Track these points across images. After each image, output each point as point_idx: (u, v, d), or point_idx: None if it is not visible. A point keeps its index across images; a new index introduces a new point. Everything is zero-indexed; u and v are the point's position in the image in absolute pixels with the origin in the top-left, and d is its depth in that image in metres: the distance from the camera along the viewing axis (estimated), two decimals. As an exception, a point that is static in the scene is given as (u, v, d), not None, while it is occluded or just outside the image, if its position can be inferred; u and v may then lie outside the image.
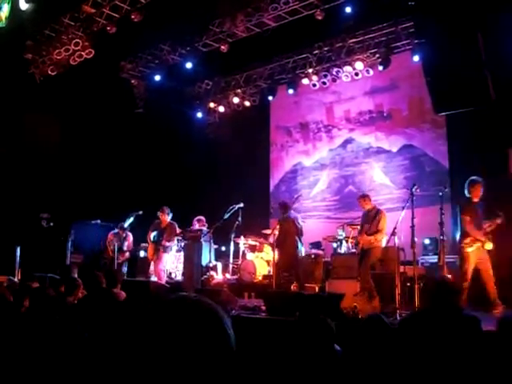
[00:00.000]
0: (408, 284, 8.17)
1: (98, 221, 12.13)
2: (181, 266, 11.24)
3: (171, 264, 11.33)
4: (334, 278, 9.66)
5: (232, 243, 11.17)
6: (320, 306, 6.39)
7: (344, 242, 10.39)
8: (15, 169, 12.44)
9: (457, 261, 7.64)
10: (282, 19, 10.85)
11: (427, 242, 9.90)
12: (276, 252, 9.81)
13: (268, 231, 11.04)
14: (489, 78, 7.33)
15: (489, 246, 7.20)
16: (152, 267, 10.45)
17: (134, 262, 11.51)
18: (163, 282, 9.92)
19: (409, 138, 12.01)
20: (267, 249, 11.10)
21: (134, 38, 11.46)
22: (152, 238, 10.42)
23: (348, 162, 12.98)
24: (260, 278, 10.75)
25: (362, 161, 12.71)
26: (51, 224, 11.32)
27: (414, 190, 7.31)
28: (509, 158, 9.28)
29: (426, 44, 8.40)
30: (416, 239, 7.14)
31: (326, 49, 12.25)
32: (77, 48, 11.02)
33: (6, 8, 9.90)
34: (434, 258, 9.26)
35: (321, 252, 10.87)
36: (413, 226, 7.03)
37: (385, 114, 12.47)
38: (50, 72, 11.67)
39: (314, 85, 12.92)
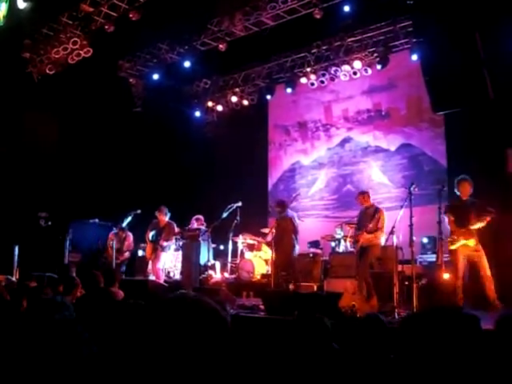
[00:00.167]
0: (406, 283, 8.17)
1: (96, 220, 12.12)
2: (179, 265, 11.24)
3: (170, 263, 11.33)
4: (332, 277, 9.67)
5: (230, 242, 11.17)
6: (318, 305, 6.40)
7: (342, 240, 10.40)
8: (13, 168, 12.42)
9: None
10: (281, 18, 10.84)
11: (425, 240, 9.92)
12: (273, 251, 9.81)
13: (266, 230, 11.04)
14: (487, 77, 7.33)
15: (471, 242, 7.22)
16: (150, 266, 10.44)
17: (133, 262, 11.51)
18: (161, 280, 9.92)
19: (407, 137, 12.02)
20: (265, 248, 11.10)
21: (132, 36, 11.44)
22: (150, 238, 10.41)
23: (346, 160, 12.99)
24: (258, 277, 10.76)
25: (360, 160, 12.71)
26: (49, 223, 11.30)
27: (412, 188, 7.32)
28: (507, 158, 9.28)
29: (425, 43, 8.41)
30: (414, 238, 7.15)
31: (324, 48, 12.25)
32: (75, 47, 11.01)
33: (4, 7, 9.87)
34: (432, 257, 9.28)
35: (319, 251, 10.87)
36: (411, 225, 7.04)
37: (383, 113, 12.47)
38: (48, 71, 11.65)
39: (313, 84, 12.92)
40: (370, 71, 12.06)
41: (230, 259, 11.41)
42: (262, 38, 11.31)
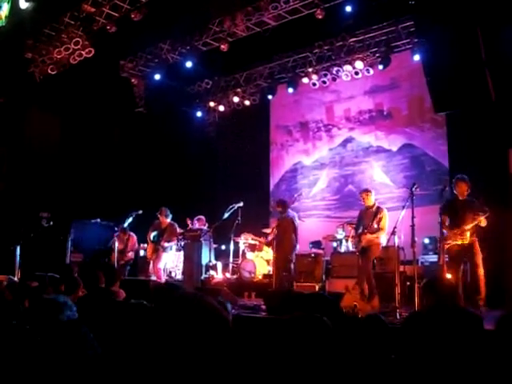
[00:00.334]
0: (408, 283, 8.18)
1: (98, 220, 12.12)
2: (181, 266, 11.24)
3: (171, 263, 11.34)
4: (334, 277, 9.69)
5: (232, 242, 11.17)
6: (320, 306, 6.39)
7: (344, 241, 10.41)
8: (15, 168, 12.45)
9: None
10: (282, 18, 10.84)
11: (427, 241, 9.91)
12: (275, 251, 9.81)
13: (268, 230, 11.04)
14: (489, 78, 7.33)
15: (464, 241, 7.20)
16: (151, 266, 10.45)
17: (135, 262, 11.51)
18: (162, 280, 9.93)
19: (409, 138, 12.01)
20: (267, 248, 11.11)
21: (133, 37, 11.45)
22: (152, 238, 10.42)
23: (348, 161, 12.98)
24: (260, 278, 10.76)
25: (362, 160, 12.70)
26: (51, 223, 11.30)
27: (413, 189, 7.31)
28: (509, 158, 9.26)
29: (427, 43, 8.41)
30: (416, 238, 7.14)
31: (326, 48, 12.23)
32: (77, 47, 11.02)
33: (6, 7, 9.90)
34: (433, 258, 9.27)
35: (321, 251, 10.87)
36: (413, 226, 7.03)
37: (385, 113, 12.47)
38: (49, 71, 11.66)
39: (314, 84, 12.92)
40: (371, 71, 12.05)
41: (231, 259, 11.41)
42: (263, 38, 11.31)
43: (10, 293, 4.91)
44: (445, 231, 7.38)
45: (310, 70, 12.72)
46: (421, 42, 10.15)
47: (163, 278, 10.30)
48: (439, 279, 6.66)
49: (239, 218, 10.54)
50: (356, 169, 12.79)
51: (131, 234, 11.02)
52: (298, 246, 10.24)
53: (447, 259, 7.38)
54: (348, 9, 10.27)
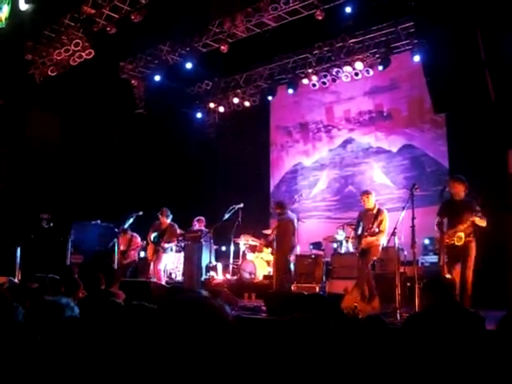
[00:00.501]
0: (408, 284, 8.18)
1: (98, 221, 12.12)
2: (181, 267, 11.25)
3: (171, 264, 11.34)
4: (334, 278, 9.68)
5: (232, 243, 11.17)
6: (320, 307, 6.39)
7: (344, 242, 10.41)
8: (15, 169, 12.45)
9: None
10: (282, 19, 10.85)
11: (427, 242, 9.90)
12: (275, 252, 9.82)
13: (268, 231, 11.05)
14: (488, 78, 7.33)
15: (458, 242, 7.17)
16: (151, 267, 10.45)
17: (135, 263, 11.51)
18: (162, 282, 9.92)
19: (409, 138, 12.01)
20: (267, 249, 11.11)
21: (133, 38, 11.46)
22: (152, 239, 10.42)
23: (348, 162, 12.98)
24: (260, 279, 10.76)
25: (362, 161, 12.70)
26: (51, 224, 11.31)
27: (414, 190, 7.30)
28: (508, 159, 9.27)
29: (426, 44, 8.41)
30: (416, 239, 7.14)
31: (325, 49, 12.24)
32: (77, 48, 11.02)
33: (6, 9, 9.89)
34: (434, 258, 9.26)
35: (321, 252, 10.87)
36: (413, 226, 7.02)
37: (385, 114, 12.47)
38: (50, 73, 11.67)
39: (314, 85, 12.92)
40: (371, 72, 12.05)
41: (231, 260, 11.41)
42: (263, 39, 11.31)
43: (10, 295, 4.91)
44: (437, 231, 7.38)
45: (310, 70, 12.72)
46: (420, 42, 10.16)
47: (163, 280, 10.29)
48: (439, 279, 6.67)
49: (239, 219, 10.55)
50: (356, 170, 12.79)
51: (134, 234, 11.03)
52: (298, 247, 10.25)
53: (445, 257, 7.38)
54: (348, 10, 10.28)
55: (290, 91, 13.38)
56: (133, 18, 10.28)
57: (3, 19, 9.94)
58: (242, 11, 10.83)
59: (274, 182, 14.33)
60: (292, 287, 9.68)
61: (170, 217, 10.50)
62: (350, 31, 11.68)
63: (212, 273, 10.82)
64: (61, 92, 12.22)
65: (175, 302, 1.29)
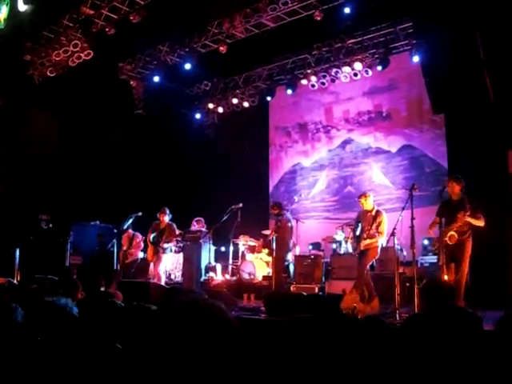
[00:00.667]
0: (407, 284, 8.17)
1: (97, 222, 12.12)
2: (180, 267, 11.24)
3: (171, 265, 11.33)
4: (333, 279, 9.68)
5: (231, 244, 11.16)
6: (319, 307, 6.39)
7: (343, 242, 10.40)
8: (14, 170, 12.45)
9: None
10: (281, 20, 10.85)
11: (426, 242, 9.90)
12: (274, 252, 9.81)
13: (267, 232, 11.05)
14: (487, 79, 7.33)
15: (450, 241, 7.17)
16: (152, 268, 10.44)
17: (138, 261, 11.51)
18: (162, 283, 9.91)
19: (408, 139, 12.01)
20: (265, 250, 11.10)
21: (132, 39, 11.46)
22: (151, 239, 10.41)
23: (347, 162, 12.98)
24: (259, 279, 10.75)
25: (361, 161, 12.70)
26: (50, 225, 11.31)
27: (413, 190, 7.30)
28: (508, 159, 9.27)
29: (425, 44, 8.42)
30: (415, 240, 7.13)
31: (324, 49, 12.25)
32: (75, 49, 11.02)
33: (5, 9, 9.90)
34: (433, 259, 9.26)
35: (320, 253, 10.87)
36: (412, 227, 7.01)
37: (384, 115, 12.47)
38: (48, 73, 11.67)
39: (313, 85, 12.92)
40: (370, 72, 12.06)
41: (231, 261, 11.41)
42: (262, 39, 11.32)
43: (9, 295, 4.90)
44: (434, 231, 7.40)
45: (309, 71, 12.73)
46: (419, 43, 10.18)
47: (163, 280, 10.29)
48: (438, 280, 6.67)
49: (239, 220, 10.55)
50: (355, 170, 12.79)
51: (136, 233, 11.03)
52: (298, 248, 10.24)
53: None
54: (346, 10, 10.28)
55: (289, 92, 13.38)
56: (132, 18, 10.28)
57: (2, 20, 9.95)
58: (240, 12, 10.83)
59: (273, 182, 14.33)
60: (291, 288, 9.69)
61: (170, 216, 10.50)
62: (348, 32, 11.69)
63: (211, 273, 10.81)
64: (60, 93, 12.22)
65: (176, 303, 1.29)
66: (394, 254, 7.79)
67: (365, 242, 8.16)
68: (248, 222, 11.10)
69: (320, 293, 9.11)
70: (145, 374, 1.23)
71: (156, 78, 13.31)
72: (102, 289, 5.80)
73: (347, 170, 12.95)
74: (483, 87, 7.37)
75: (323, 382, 2.07)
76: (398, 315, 6.78)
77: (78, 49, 11.02)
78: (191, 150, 14.46)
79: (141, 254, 11.56)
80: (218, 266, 11.37)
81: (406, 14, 10.51)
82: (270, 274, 10.15)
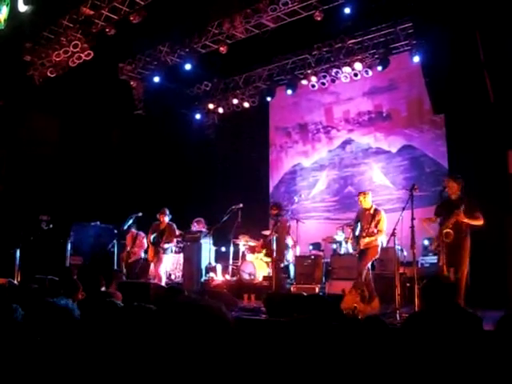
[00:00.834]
0: (408, 284, 8.18)
1: (98, 222, 12.12)
2: (181, 268, 11.24)
3: (171, 265, 11.33)
4: (333, 279, 9.67)
5: (232, 244, 11.17)
6: (319, 307, 6.40)
7: (343, 242, 10.41)
8: (14, 170, 12.45)
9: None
10: (281, 20, 10.85)
11: (427, 242, 9.89)
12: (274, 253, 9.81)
13: (267, 232, 11.04)
14: (487, 79, 7.33)
15: (446, 238, 7.15)
16: (152, 268, 10.45)
17: (134, 265, 11.51)
18: (163, 283, 9.92)
19: (408, 139, 12.02)
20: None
21: (132, 39, 11.46)
22: (152, 240, 10.42)
23: (347, 162, 12.98)
24: (260, 279, 10.75)
25: (362, 161, 12.71)
26: (51, 226, 11.31)
27: (413, 190, 7.30)
28: (508, 159, 9.27)
29: (425, 45, 8.42)
30: (416, 240, 7.13)
31: (324, 50, 12.25)
32: (76, 50, 11.02)
33: (5, 10, 9.89)
34: (433, 259, 9.26)
35: (320, 253, 10.88)
36: (412, 227, 7.01)
37: (384, 115, 12.48)
38: (49, 74, 11.67)
39: (313, 86, 12.92)
40: (370, 73, 12.06)
41: (231, 261, 11.41)
42: (262, 40, 11.32)
43: (9, 296, 4.91)
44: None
45: (309, 71, 12.73)
46: (419, 43, 10.18)
47: (163, 281, 10.29)
48: (440, 278, 6.67)
49: (239, 220, 10.55)
50: (355, 170, 12.79)
51: (139, 232, 11.03)
52: (298, 248, 10.23)
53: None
54: (347, 11, 10.28)
55: (289, 92, 13.38)
56: (132, 19, 10.28)
57: (2, 21, 9.94)
58: (240, 12, 10.84)
59: (273, 182, 14.33)
60: (292, 288, 9.68)
61: (169, 217, 10.50)
62: (349, 32, 11.69)
63: (211, 274, 10.81)
64: (60, 93, 12.22)
65: (176, 303, 1.29)
66: (395, 254, 7.80)
67: (364, 241, 8.16)
68: (248, 223, 11.10)
69: (320, 293, 9.12)
70: (144, 373, 1.24)
71: (156, 79, 13.31)
72: (103, 289, 5.80)
73: (347, 170, 12.95)
74: (483, 87, 7.37)
75: (324, 382, 2.07)
76: (398, 315, 6.78)
77: (78, 49, 11.02)
78: (191, 150, 14.46)
79: (143, 254, 11.58)
80: (219, 267, 11.36)
81: (406, 15, 10.51)
82: (271, 275, 10.15)
